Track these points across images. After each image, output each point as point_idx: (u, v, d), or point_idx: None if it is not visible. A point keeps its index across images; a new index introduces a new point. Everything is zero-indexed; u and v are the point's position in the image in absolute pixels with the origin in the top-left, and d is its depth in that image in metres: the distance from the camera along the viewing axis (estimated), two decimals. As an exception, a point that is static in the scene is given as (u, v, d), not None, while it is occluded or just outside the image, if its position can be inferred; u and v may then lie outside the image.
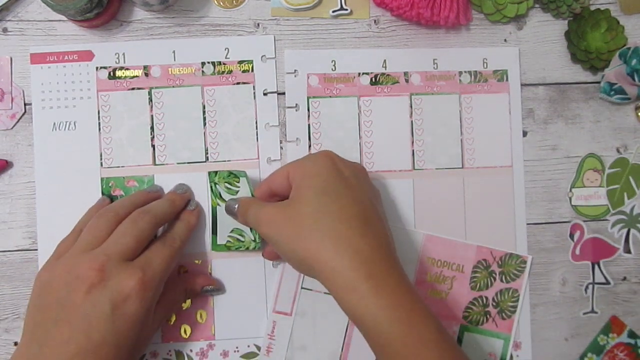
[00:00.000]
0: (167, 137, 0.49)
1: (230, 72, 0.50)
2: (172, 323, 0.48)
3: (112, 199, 0.48)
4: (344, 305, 0.38)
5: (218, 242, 0.48)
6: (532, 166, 0.52)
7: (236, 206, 0.45)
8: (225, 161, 0.49)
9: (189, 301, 0.48)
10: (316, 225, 0.39)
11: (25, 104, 0.49)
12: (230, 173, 0.48)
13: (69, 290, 0.38)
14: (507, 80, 0.52)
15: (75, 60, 0.49)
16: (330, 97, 0.50)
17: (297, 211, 0.40)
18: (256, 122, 0.50)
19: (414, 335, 0.37)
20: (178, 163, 0.49)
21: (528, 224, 0.52)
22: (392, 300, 0.37)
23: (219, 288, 0.48)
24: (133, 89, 0.49)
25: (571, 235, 0.52)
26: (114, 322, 0.38)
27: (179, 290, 0.46)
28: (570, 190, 0.52)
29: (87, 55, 0.49)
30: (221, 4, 0.50)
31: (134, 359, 0.41)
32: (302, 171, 0.42)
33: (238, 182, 0.47)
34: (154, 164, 0.49)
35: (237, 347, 0.49)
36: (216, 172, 0.48)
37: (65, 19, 0.48)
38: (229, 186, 0.47)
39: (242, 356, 0.49)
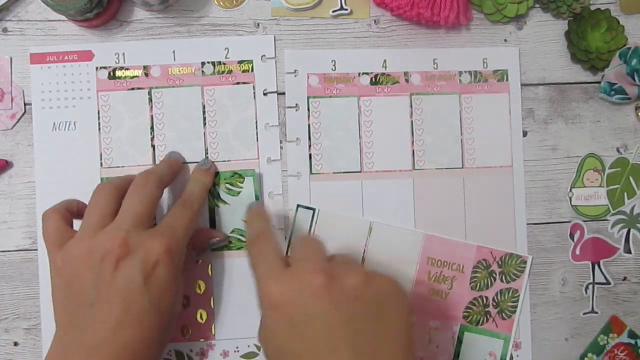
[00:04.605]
0: (167, 137, 0.49)
1: (230, 72, 0.50)
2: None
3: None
4: None
5: (218, 242, 0.48)
6: (532, 166, 0.52)
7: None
8: (225, 161, 0.49)
9: (189, 301, 0.48)
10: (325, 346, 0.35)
11: (25, 104, 0.49)
12: (234, 173, 0.47)
13: (98, 272, 0.38)
14: (507, 80, 0.52)
15: (75, 60, 0.49)
16: (330, 97, 0.50)
17: (305, 322, 0.36)
18: (256, 122, 0.50)
19: None
20: (178, 163, 0.49)
21: (528, 224, 0.51)
22: None
23: (224, 239, 0.48)
24: (133, 89, 0.49)
25: (571, 235, 0.52)
26: (149, 291, 0.38)
27: (188, 249, 0.45)
28: (570, 190, 0.52)
29: (87, 55, 0.49)
30: (221, 4, 0.50)
31: (172, 325, 0.41)
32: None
33: (242, 183, 0.47)
34: (154, 164, 0.49)
35: (237, 347, 0.49)
36: (217, 174, 0.48)
37: (65, 19, 0.48)
38: (230, 187, 0.47)
39: (242, 356, 0.49)
